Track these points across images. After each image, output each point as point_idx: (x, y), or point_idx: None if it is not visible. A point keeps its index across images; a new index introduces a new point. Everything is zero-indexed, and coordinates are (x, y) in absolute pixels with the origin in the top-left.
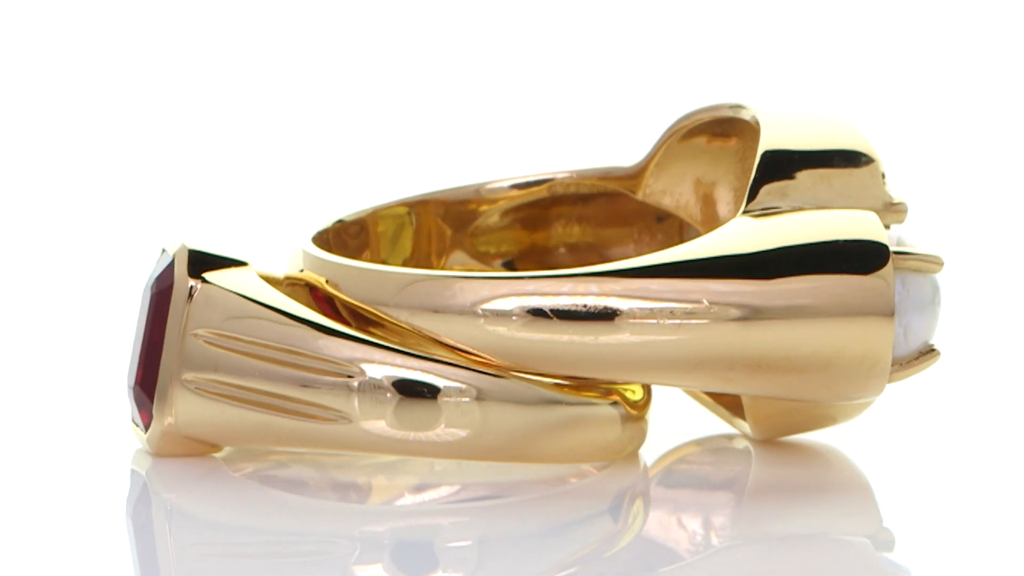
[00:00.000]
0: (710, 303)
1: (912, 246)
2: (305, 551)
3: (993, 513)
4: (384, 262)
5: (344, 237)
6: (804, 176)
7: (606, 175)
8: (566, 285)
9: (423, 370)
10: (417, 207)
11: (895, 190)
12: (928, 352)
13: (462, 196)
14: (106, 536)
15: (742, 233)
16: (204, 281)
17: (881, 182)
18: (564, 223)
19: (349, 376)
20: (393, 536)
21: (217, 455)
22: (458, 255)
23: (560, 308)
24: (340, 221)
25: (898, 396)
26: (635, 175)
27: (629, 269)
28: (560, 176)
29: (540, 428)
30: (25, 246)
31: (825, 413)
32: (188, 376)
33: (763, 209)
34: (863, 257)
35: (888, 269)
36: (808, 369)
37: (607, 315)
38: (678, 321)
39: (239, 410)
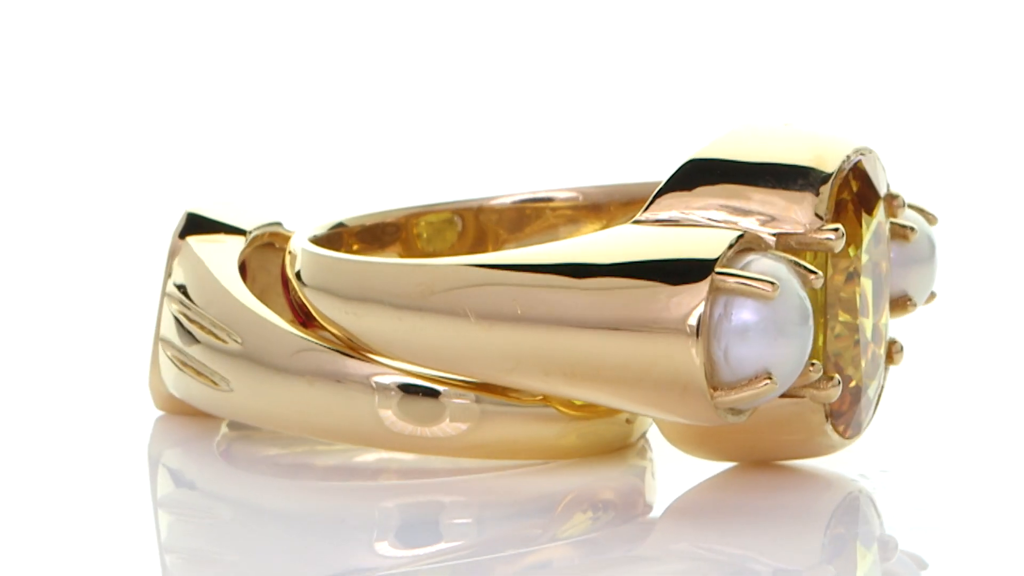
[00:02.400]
0: (520, 305)
1: (758, 272)
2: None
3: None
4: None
5: (378, 233)
6: (718, 190)
7: None
8: (393, 270)
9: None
10: (464, 212)
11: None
12: (760, 379)
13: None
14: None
15: (602, 240)
16: (186, 244)
17: (821, 205)
18: None
19: (230, 341)
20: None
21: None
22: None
23: (381, 294)
24: (340, 224)
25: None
26: None
27: (459, 264)
28: None
29: (517, 427)
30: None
31: (771, 441)
32: (162, 334)
33: (656, 219)
34: (681, 275)
35: (699, 288)
36: (622, 382)
37: (424, 305)
38: (488, 319)
39: (177, 371)
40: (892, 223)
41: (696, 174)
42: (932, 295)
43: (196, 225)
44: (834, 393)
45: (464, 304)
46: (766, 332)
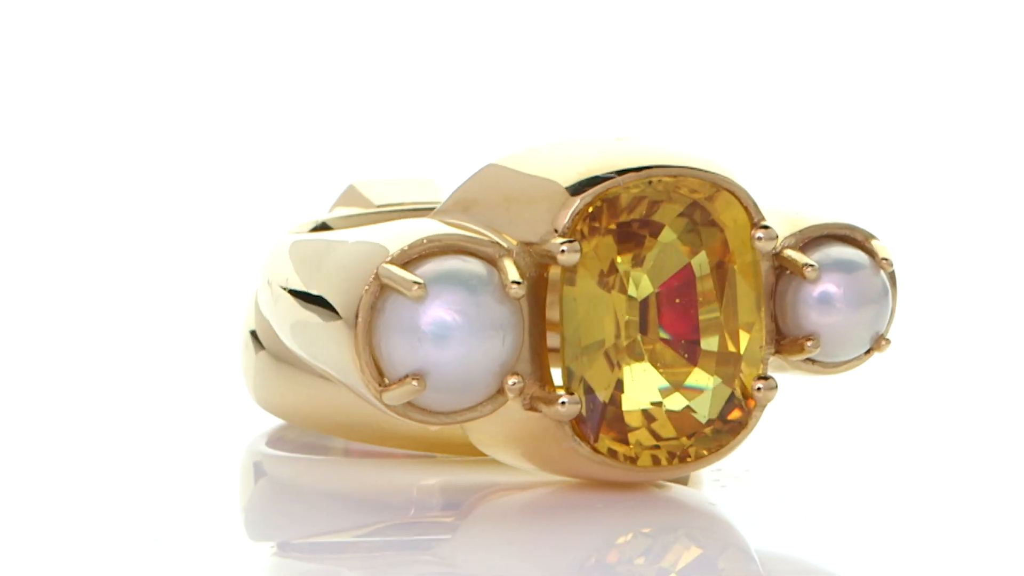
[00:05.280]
0: (288, 279)
1: (424, 273)
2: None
3: None
4: None
5: None
6: (491, 195)
7: None
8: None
9: None
10: None
11: None
12: (408, 379)
13: None
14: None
15: (368, 228)
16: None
17: (561, 218)
18: None
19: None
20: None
21: None
22: None
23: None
24: (324, 225)
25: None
26: None
27: (283, 235)
28: None
29: None
30: None
31: (537, 453)
32: None
33: (446, 217)
34: (356, 265)
35: (363, 279)
36: (329, 365)
37: (264, 272)
38: (278, 288)
39: None
40: (784, 256)
41: (479, 180)
42: (881, 341)
43: (348, 197)
44: (564, 411)
45: (271, 272)
46: (413, 332)
